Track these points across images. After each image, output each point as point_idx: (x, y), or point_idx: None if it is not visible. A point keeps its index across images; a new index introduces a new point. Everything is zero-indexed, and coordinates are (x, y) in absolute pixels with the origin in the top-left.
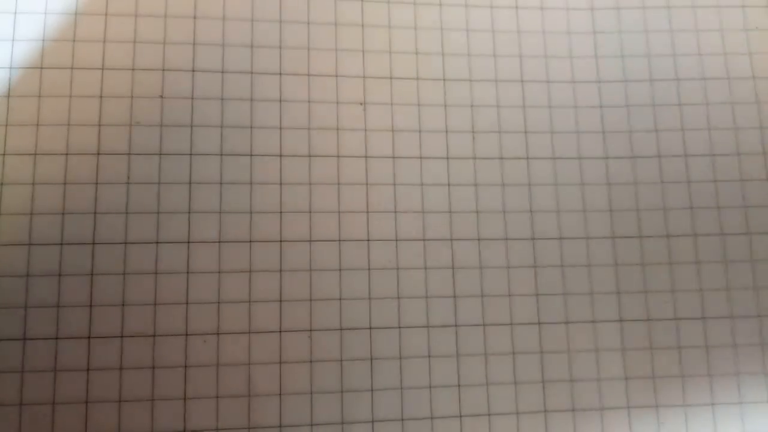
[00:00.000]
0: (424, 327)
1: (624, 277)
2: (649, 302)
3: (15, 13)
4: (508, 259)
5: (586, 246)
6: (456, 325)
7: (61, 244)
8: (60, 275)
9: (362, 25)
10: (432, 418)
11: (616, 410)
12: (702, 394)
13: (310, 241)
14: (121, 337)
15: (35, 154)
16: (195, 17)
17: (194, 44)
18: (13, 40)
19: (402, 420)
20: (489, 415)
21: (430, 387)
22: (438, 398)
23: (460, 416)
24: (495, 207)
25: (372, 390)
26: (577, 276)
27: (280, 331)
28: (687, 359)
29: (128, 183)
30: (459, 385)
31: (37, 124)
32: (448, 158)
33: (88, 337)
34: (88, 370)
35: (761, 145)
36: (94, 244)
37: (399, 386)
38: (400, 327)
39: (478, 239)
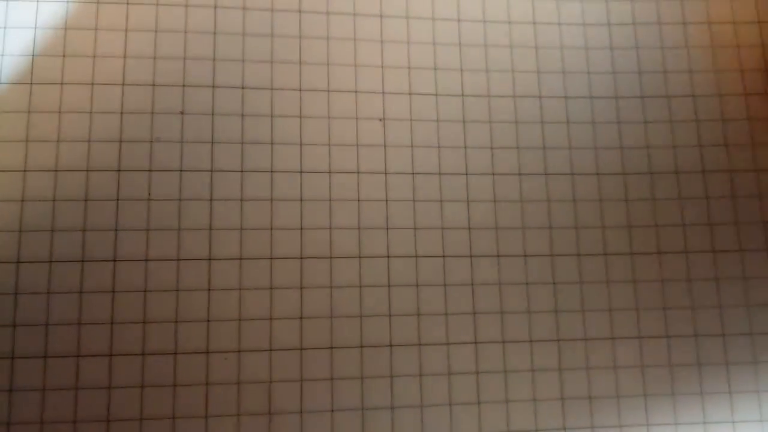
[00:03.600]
0: (444, 344)
1: (642, 293)
2: (668, 319)
3: (35, 28)
4: (527, 276)
5: (605, 262)
6: (476, 342)
7: (83, 261)
8: (81, 292)
9: (381, 41)
10: None
11: (636, 427)
12: (722, 411)
13: (331, 257)
14: (143, 354)
15: (56, 171)
16: (215, 33)
17: (214, 60)
18: (33, 55)
19: None
20: None
21: (450, 404)
22: (458, 415)
23: None
24: (514, 223)
25: (392, 407)
26: (596, 292)
27: (301, 349)
28: (707, 376)
29: (149, 199)
30: (479, 403)
31: (58, 140)
32: (467, 174)
33: (110, 355)
34: (109, 387)
35: (752, 163)
36: (115, 261)
37: (419, 404)
38: (420, 344)
39: (498, 256)
